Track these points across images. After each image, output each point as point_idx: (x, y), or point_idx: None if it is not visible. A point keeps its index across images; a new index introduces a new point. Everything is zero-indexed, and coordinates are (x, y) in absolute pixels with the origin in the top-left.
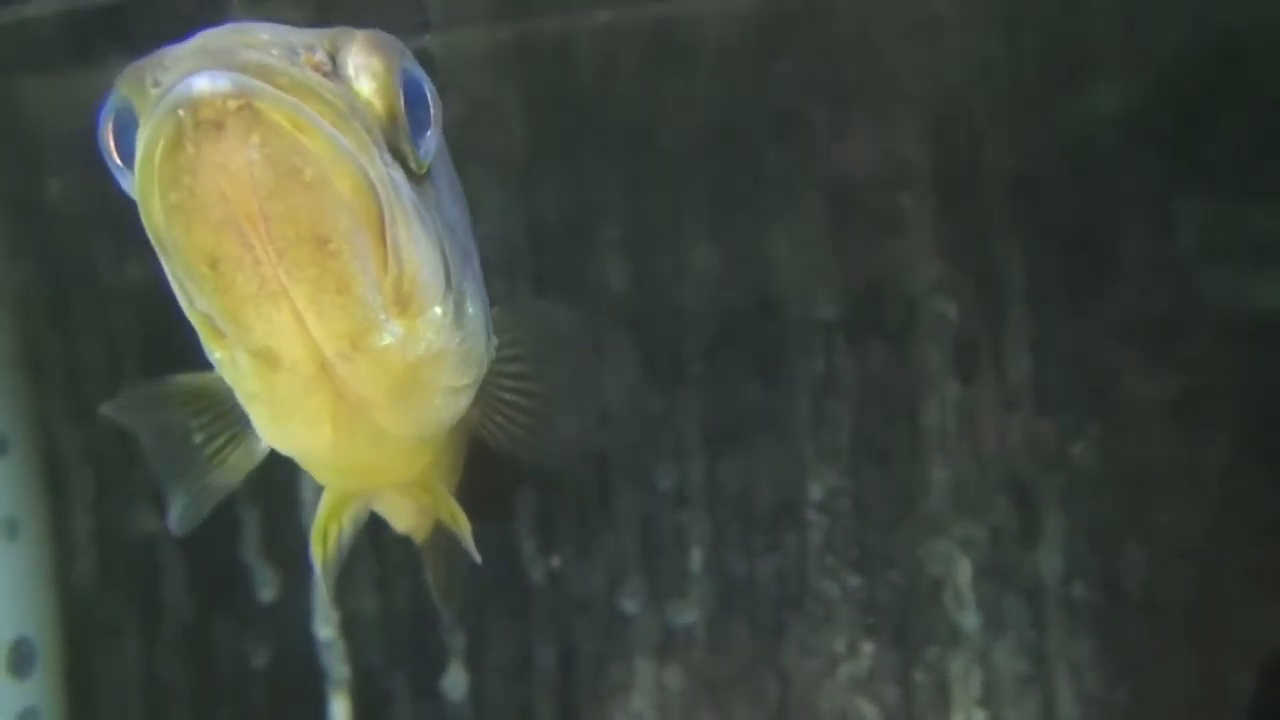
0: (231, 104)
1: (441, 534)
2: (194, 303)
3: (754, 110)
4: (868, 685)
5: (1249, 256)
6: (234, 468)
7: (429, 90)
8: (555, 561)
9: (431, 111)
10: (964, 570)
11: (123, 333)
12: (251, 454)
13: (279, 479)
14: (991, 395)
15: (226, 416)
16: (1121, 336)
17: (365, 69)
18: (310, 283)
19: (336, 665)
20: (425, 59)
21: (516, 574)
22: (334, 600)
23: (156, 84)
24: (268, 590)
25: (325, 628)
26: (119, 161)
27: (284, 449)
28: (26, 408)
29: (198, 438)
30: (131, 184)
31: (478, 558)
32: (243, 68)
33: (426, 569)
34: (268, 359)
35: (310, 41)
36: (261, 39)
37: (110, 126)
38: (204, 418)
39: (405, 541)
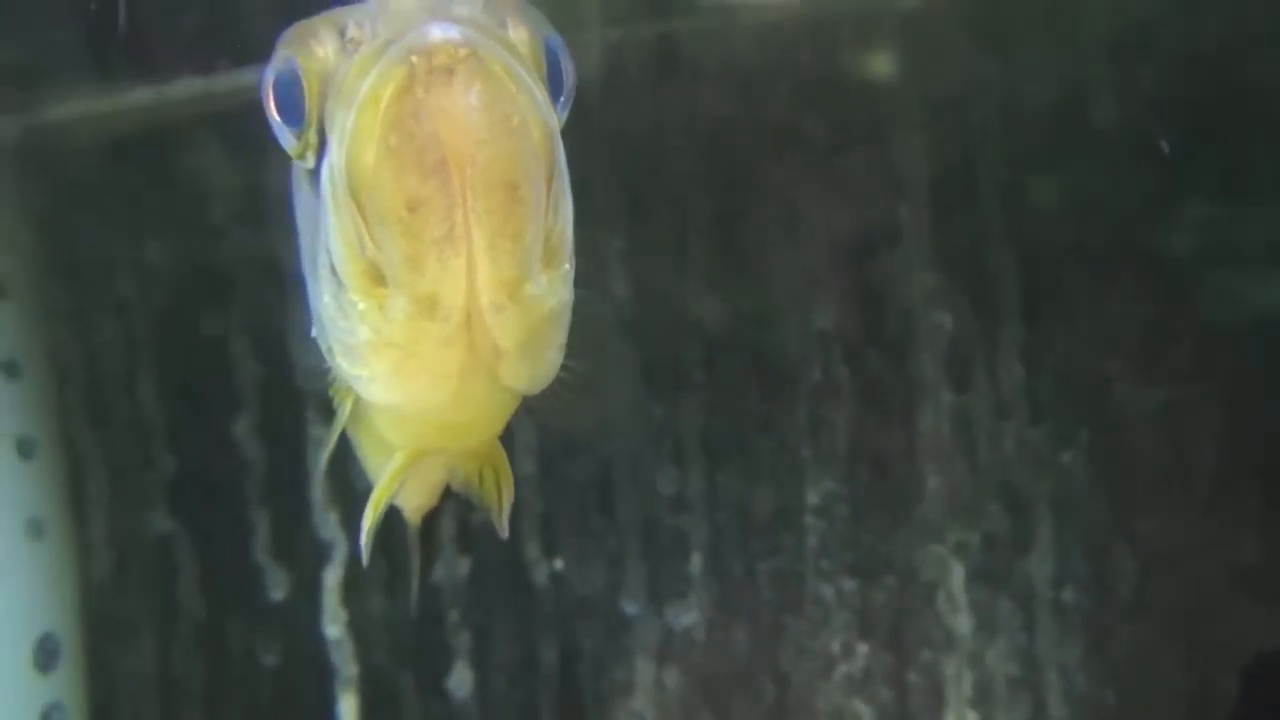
0: (462, 52)
1: (433, 521)
2: (363, 249)
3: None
4: (863, 686)
5: (1237, 265)
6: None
7: (566, 59)
8: (558, 564)
9: (567, 78)
10: (957, 575)
11: (142, 340)
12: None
13: (288, 484)
14: (985, 404)
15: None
16: (1111, 347)
17: (522, 35)
18: (493, 229)
19: (345, 664)
20: None
21: (521, 576)
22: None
23: (369, 38)
24: (278, 590)
25: (334, 627)
26: (278, 117)
27: (393, 402)
28: (52, 412)
29: None
30: (290, 140)
31: (505, 533)
32: (461, 21)
33: (412, 554)
34: (427, 306)
35: (496, 12)
36: (454, 7)
37: (273, 85)
38: None
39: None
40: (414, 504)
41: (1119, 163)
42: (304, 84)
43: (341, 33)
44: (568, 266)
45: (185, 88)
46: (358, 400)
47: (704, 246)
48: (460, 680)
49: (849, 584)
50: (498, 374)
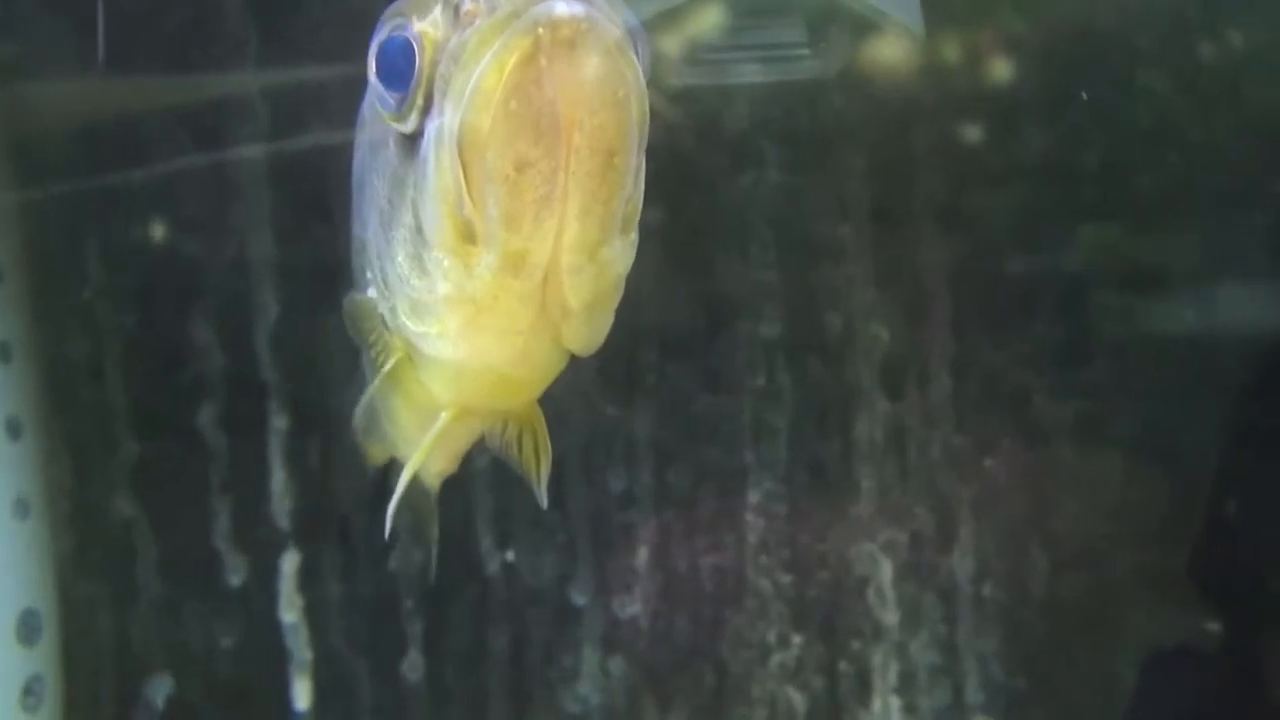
0: (583, 26)
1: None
2: (460, 207)
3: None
4: (796, 675)
5: (1141, 285)
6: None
7: (643, 40)
8: (510, 555)
9: (644, 58)
10: (886, 571)
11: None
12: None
13: (249, 472)
14: (915, 413)
15: (377, 337)
16: (1031, 362)
17: (616, 15)
18: (589, 193)
19: (300, 648)
20: None
21: (474, 567)
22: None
23: (487, 12)
24: (236, 576)
25: (290, 613)
26: (381, 82)
27: (458, 357)
28: (39, 395)
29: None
30: (391, 104)
31: (544, 501)
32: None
33: (431, 520)
34: (513, 263)
35: None
36: None
37: (382, 51)
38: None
39: (371, 530)
40: (437, 468)
41: (1040, 192)
42: (417, 50)
43: (453, 5)
44: (635, 235)
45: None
46: (402, 360)
47: (655, 254)
48: (412, 665)
49: (785, 579)
50: (561, 333)
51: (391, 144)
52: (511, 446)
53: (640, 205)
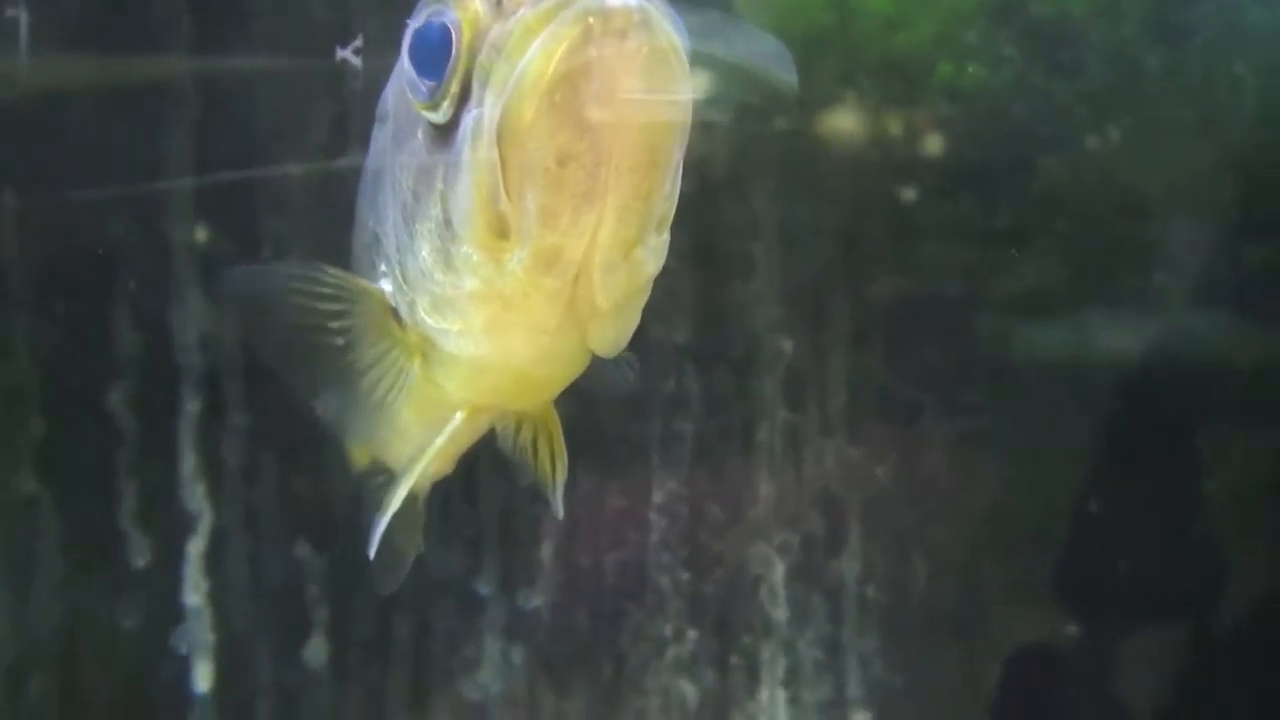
0: (636, 18)
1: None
2: (495, 200)
3: None
4: (690, 667)
5: (1021, 308)
6: (390, 381)
7: (684, 34)
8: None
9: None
10: (778, 571)
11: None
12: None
13: (158, 453)
14: (813, 423)
15: (378, 328)
16: (919, 380)
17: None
18: (630, 190)
19: (202, 632)
20: None
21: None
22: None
23: (532, 2)
24: (140, 558)
25: (194, 596)
26: (415, 70)
27: (481, 354)
28: None
29: (338, 340)
30: (424, 92)
31: (560, 510)
32: None
33: (417, 522)
34: (547, 260)
35: None
36: None
37: (417, 38)
38: (348, 321)
39: (280, 517)
40: (434, 469)
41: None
42: (456, 37)
43: None
44: (667, 235)
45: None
46: (416, 358)
47: None
48: (315, 651)
49: (684, 576)
50: (587, 333)
51: (420, 134)
52: (525, 450)
53: (675, 204)
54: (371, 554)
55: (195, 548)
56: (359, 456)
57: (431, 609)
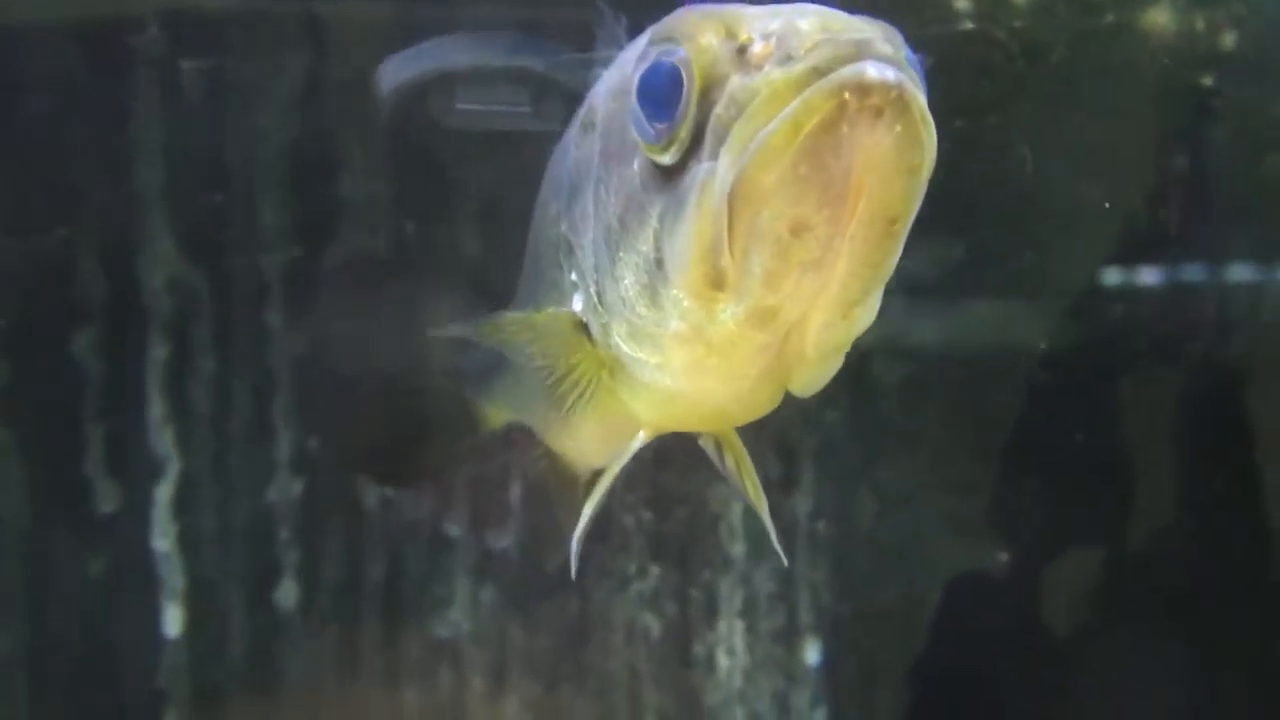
0: (893, 94)
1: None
2: (717, 255)
3: None
4: (653, 602)
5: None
6: (576, 392)
7: (923, 84)
8: (389, 490)
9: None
10: (736, 509)
11: None
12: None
13: (124, 398)
14: None
15: (569, 355)
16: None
17: (901, 61)
18: (861, 257)
19: (173, 576)
20: None
21: (351, 499)
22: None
23: (778, 59)
24: (108, 503)
25: (163, 540)
26: (641, 109)
27: (676, 389)
28: None
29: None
30: (650, 133)
31: (769, 523)
32: (888, 60)
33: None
34: (764, 318)
35: (881, 32)
36: (865, 27)
37: (647, 75)
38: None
39: (253, 463)
40: (599, 462)
41: None
42: (687, 82)
43: (733, 36)
44: (881, 289)
45: None
46: (602, 373)
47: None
48: (286, 593)
49: (646, 515)
50: (790, 378)
51: (637, 166)
52: (716, 459)
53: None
54: (574, 547)
55: (164, 493)
56: (496, 420)
57: (403, 552)
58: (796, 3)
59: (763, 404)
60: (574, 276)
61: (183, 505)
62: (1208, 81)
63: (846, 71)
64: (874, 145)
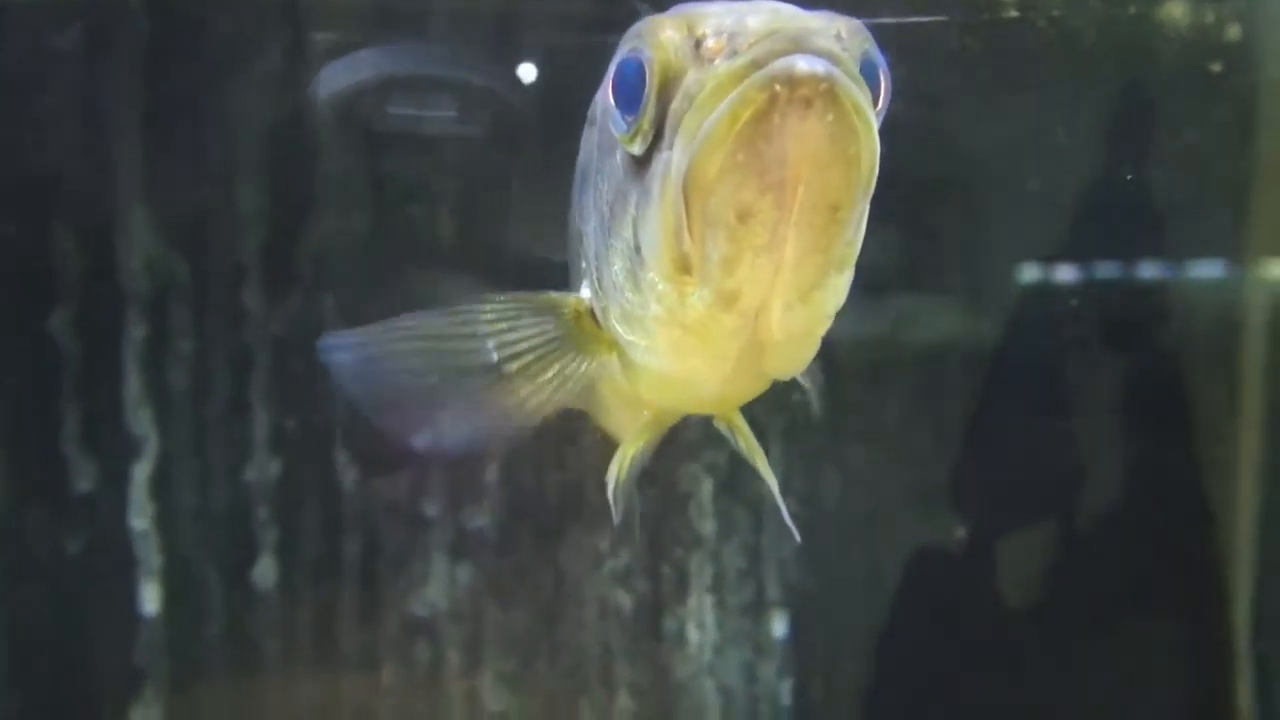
0: (822, 86)
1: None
2: (679, 241)
3: None
4: (625, 579)
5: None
6: (588, 371)
7: (886, 72)
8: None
9: (884, 91)
10: (707, 488)
11: None
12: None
13: (100, 375)
14: None
15: (573, 332)
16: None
17: (853, 49)
18: (808, 243)
19: (150, 555)
20: None
21: (329, 479)
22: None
23: (727, 53)
24: (85, 482)
25: (140, 519)
26: (614, 102)
27: (664, 370)
28: None
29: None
30: (621, 125)
31: (774, 483)
32: (822, 53)
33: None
34: (727, 300)
35: (832, 28)
36: (813, 24)
37: (618, 72)
38: (529, 332)
39: (230, 440)
40: (645, 438)
41: None
42: (649, 77)
43: (692, 34)
44: (850, 272)
45: None
46: (619, 355)
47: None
48: (264, 572)
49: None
50: (764, 360)
51: (619, 156)
52: (731, 440)
53: (859, 245)
54: (614, 513)
55: (141, 471)
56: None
57: (380, 530)
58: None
59: (749, 385)
60: (583, 264)
61: (160, 484)
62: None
63: (778, 64)
64: (805, 134)
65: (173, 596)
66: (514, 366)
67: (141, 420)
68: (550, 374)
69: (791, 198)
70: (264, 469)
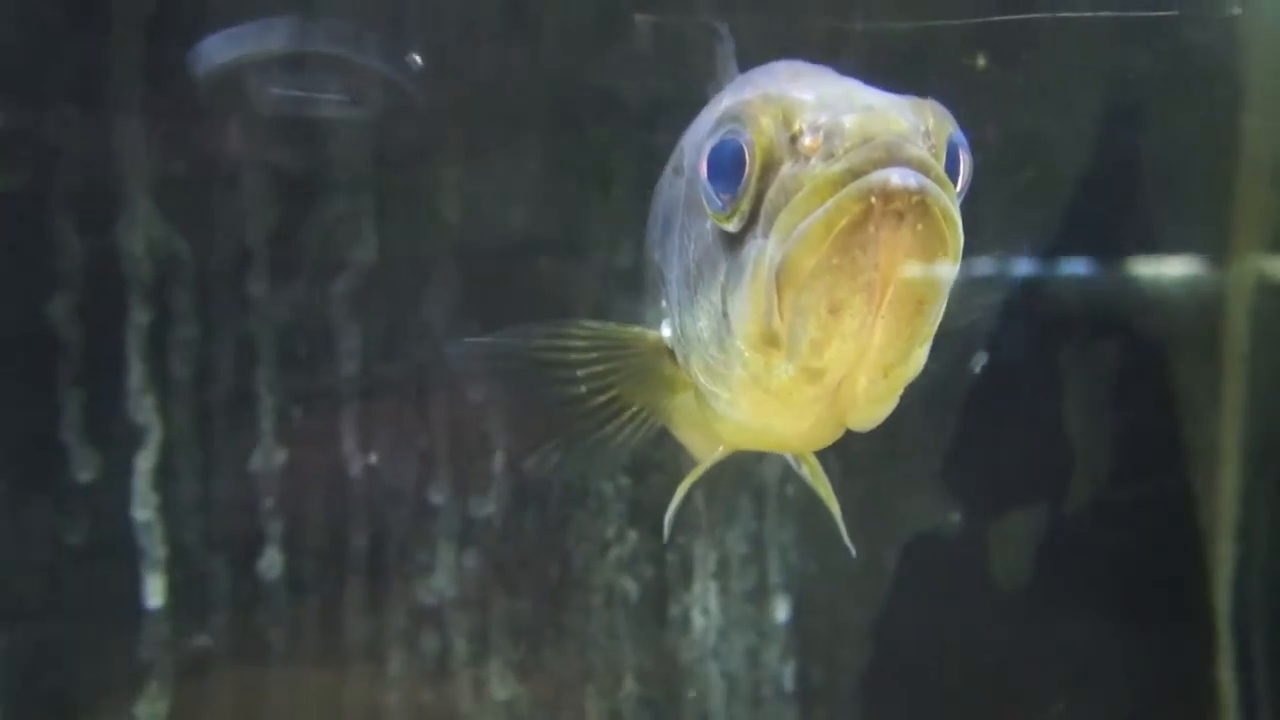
0: (914, 199)
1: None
2: (770, 320)
3: None
4: (630, 565)
5: None
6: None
7: (967, 154)
8: (372, 458)
9: (964, 173)
10: (710, 477)
11: None
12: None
13: (103, 366)
14: None
15: (653, 365)
16: None
17: (941, 144)
18: (894, 332)
19: (154, 546)
20: None
21: (336, 468)
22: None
23: (823, 153)
24: (86, 472)
25: (144, 510)
26: (709, 180)
27: (745, 422)
28: None
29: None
30: (717, 203)
31: (837, 511)
32: (914, 163)
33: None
34: (813, 376)
35: (921, 124)
36: (904, 125)
37: (715, 152)
38: (612, 364)
39: (235, 434)
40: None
41: None
42: (748, 164)
43: (789, 126)
44: (928, 345)
45: None
46: (696, 396)
47: None
48: (270, 563)
49: (624, 481)
50: (845, 420)
51: (709, 225)
52: (794, 465)
53: (938, 323)
54: (668, 524)
55: (145, 461)
56: None
57: (387, 518)
58: (850, 87)
59: (826, 437)
60: (663, 303)
61: (164, 474)
62: None
63: (875, 177)
64: (897, 243)
65: (177, 589)
66: (600, 400)
67: (145, 408)
68: (633, 409)
69: (881, 296)
70: (269, 458)
